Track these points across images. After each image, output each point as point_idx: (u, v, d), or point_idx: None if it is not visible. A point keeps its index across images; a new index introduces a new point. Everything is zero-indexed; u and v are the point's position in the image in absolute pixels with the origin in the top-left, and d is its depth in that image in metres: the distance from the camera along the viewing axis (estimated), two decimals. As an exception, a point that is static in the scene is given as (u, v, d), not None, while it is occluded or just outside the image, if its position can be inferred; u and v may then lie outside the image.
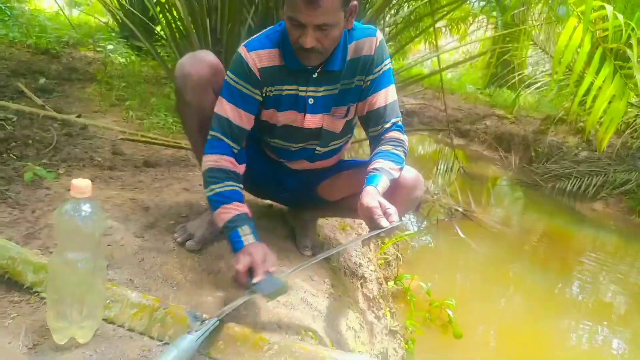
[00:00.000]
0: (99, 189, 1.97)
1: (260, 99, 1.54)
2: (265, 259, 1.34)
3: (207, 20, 3.01)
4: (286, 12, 1.35)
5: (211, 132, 1.52)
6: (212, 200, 1.47)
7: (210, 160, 1.49)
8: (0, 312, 1.17)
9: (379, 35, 1.54)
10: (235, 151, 1.52)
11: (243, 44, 1.51)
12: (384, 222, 1.29)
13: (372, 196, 1.34)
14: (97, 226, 1.07)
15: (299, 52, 1.41)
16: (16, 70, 3.46)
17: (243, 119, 1.52)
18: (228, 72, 1.52)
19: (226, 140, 1.50)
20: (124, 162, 2.37)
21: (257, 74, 1.49)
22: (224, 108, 1.50)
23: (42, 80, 3.40)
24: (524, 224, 4.25)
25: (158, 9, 4.04)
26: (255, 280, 1.29)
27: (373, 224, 1.32)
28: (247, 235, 1.40)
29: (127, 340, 1.15)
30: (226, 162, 1.49)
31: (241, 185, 1.51)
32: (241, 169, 1.54)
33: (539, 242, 3.86)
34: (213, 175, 1.48)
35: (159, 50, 4.20)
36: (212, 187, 1.46)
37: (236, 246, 1.39)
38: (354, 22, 1.52)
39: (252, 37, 1.53)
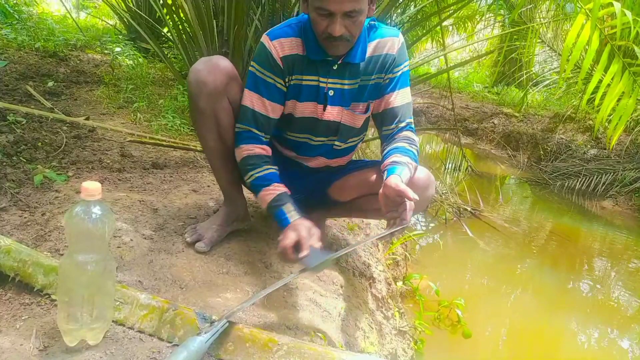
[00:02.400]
0: (108, 191, 1.98)
1: (284, 89, 1.57)
2: (311, 234, 1.38)
3: (214, 22, 3.02)
4: (313, 3, 1.39)
5: (239, 125, 1.59)
6: (253, 185, 1.56)
7: (245, 150, 1.57)
8: (12, 314, 1.18)
9: (402, 38, 1.60)
10: (265, 139, 1.59)
11: (265, 32, 1.55)
12: (413, 195, 1.31)
13: (398, 180, 1.37)
14: (107, 228, 1.07)
15: (326, 42, 1.45)
16: (25, 74, 3.48)
17: (268, 109, 1.56)
18: (252, 62, 1.56)
19: (254, 130, 1.57)
20: (132, 164, 2.38)
21: (280, 63, 1.52)
22: (249, 99, 1.56)
23: (50, 83, 3.42)
24: (532, 222, 4.23)
25: (165, 10, 4.06)
26: (301, 255, 1.33)
27: (394, 208, 1.36)
28: (291, 212, 1.46)
29: (136, 342, 1.16)
30: (259, 149, 1.57)
31: (276, 167, 1.58)
32: (271, 152, 1.62)
33: (547, 241, 3.83)
34: (250, 163, 1.56)
35: (166, 52, 4.22)
36: (251, 173, 1.55)
37: (283, 224, 1.45)
38: (378, 22, 1.59)
39: (274, 27, 1.57)
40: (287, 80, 1.56)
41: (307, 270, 1.34)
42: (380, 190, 1.39)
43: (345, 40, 1.43)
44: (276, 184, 1.53)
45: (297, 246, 1.35)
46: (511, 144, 6.54)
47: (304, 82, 1.57)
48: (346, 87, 1.58)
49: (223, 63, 1.56)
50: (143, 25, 4.39)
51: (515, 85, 8.68)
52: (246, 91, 1.57)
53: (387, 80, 1.60)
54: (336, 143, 1.70)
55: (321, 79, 1.56)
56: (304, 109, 1.61)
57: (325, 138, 1.69)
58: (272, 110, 1.57)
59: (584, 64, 3.02)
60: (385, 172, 1.45)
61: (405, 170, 1.43)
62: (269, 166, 1.56)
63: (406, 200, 1.34)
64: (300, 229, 1.38)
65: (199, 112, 1.58)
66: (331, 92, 1.57)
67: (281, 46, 1.52)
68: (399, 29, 1.64)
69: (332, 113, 1.61)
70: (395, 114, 1.60)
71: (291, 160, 1.79)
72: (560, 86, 7.16)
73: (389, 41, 1.58)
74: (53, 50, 4.39)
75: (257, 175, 1.54)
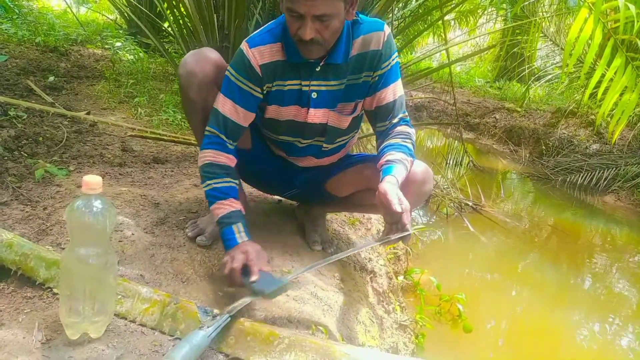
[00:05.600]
0: (109, 186, 1.98)
1: (261, 96, 1.53)
2: (259, 257, 1.36)
3: (215, 17, 3.01)
4: (285, 3, 1.34)
5: (208, 127, 1.53)
6: (209, 195, 1.49)
7: (208, 155, 1.51)
8: (14, 308, 1.19)
9: (387, 30, 1.52)
10: (231, 147, 1.53)
11: (245, 39, 1.51)
12: (397, 207, 1.30)
13: (391, 184, 1.35)
14: (108, 222, 1.07)
15: (299, 45, 1.41)
16: (25, 69, 3.48)
17: (240, 116, 1.51)
18: (229, 68, 1.52)
19: (222, 136, 1.51)
20: (133, 159, 2.38)
21: (258, 71, 1.48)
22: (222, 104, 1.51)
23: (51, 78, 3.42)
24: (534, 217, 4.22)
25: (165, 5, 4.05)
26: (252, 279, 1.29)
27: (389, 211, 1.33)
28: (240, 233, 1.42)
29: (138, 335, 1.16)
30: (223, 157, 1.51)
31: (237, 181, 1.53)
32: (235, 163, 1.55)
33: (549, 236, 3.83)
34: (211, 171, 1.50)
35: (166, 47, 4.21)
36: (209, 182, 1.49)
37: (229, 243, 1.41)
38: (362, 16, 1.52)
39: (255, 32, 1.53)
40: (265, 88, 1.52)
41: (260, 296, 1.27)
42: (377, 193, 1.37)
43: (317, 44, 1.37)
44: (232, 200, 1.47)
45: (245, 270, 1.32)
46: (513, 139, 6.53)
47: (287, 87, 1.52)
48: (331, 88, 1.53)
49: (211, 54, 1.55)
50: (144, 20, 4.39)
51: (517, 80, 8.66)
52: (220, 95, 1.52)
53: (377, 78, 1.54)
54: (324, 145, 1.67)
55: (303, 82, 1.51)
56: (288, 113, 1.57)
57: (311, 140, 1.66)
58: (243, 117, 1.52)
59: (587, 59, 3.02)
60: (381, 173, 1.43)
61: (400, 168, 1.42)
62: (230, 179, 1.50)
63: (402, 202, 1.32)
64: (249, 251, 1.35)
65: (191, 103, 1.56)
66: (314, 95, 1.53)
67: (260, 54, 1.47)
68: (384, 21, 1.57)
69: (317, 115, 1.57)
70: (388, 111, 1.56)
71: (284, 158, 1.78)
72: (562, 81, 7.14)
73: (374, 36, 1.50)
74: (54, 45, 4.38)
75: (214, 185, 1.48)
